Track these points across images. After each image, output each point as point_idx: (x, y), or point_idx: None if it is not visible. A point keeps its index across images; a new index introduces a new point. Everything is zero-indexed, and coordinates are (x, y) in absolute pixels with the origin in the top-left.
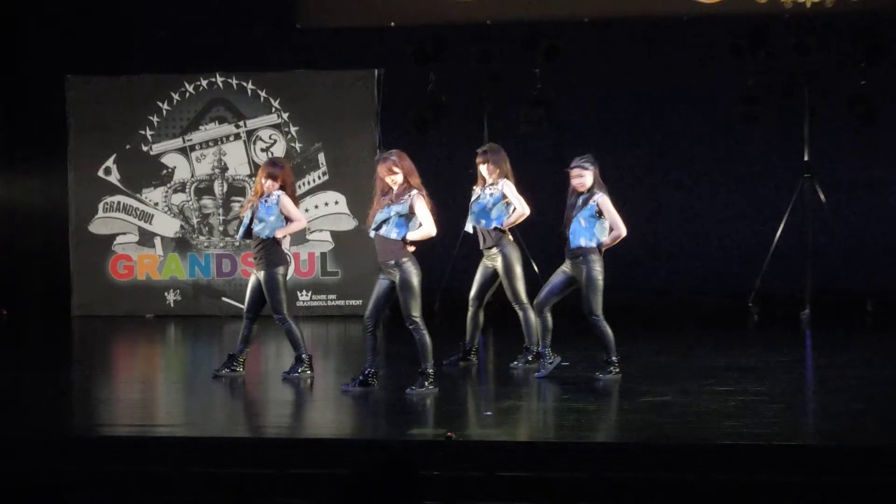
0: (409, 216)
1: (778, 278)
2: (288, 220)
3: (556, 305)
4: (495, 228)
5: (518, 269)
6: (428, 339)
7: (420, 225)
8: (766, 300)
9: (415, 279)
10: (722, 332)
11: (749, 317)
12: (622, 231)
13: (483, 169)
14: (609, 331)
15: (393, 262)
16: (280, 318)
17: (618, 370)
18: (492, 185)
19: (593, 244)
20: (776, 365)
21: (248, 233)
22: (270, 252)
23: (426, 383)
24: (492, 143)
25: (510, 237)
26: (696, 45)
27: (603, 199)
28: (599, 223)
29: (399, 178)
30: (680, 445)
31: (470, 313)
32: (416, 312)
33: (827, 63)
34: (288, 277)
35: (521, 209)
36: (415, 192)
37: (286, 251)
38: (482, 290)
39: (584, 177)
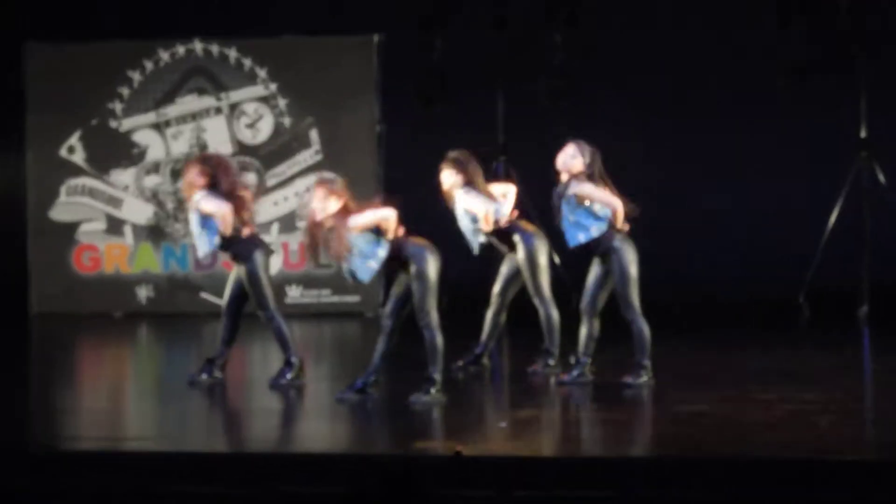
0: (369, 235)
1: (831, 271)
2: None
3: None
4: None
5: (542, 260)
6: (440, 340)
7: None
8: (819, 295)
9: (432, 269)
10: (768, 331)
11: (799, 314)
12: (616, 205)
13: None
14: (647, 330)
15: (406, 256)
16: (268, 316)
17: (650, 375)
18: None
19: (597, 233)
20: (830, 369)
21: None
22: (237, 246)
23: (432, 390)
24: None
25: (528, 223)
26: (735, 7)
27: (578, 187)
28: (590, 210)
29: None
30: (720, 461)
31: (491, 311)
32: (431, 308)
33: (886, 25)
34: (274, 271)
35: (483, 208)
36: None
37: (269, 241)
38: (507, 285)
39: (575, 159)
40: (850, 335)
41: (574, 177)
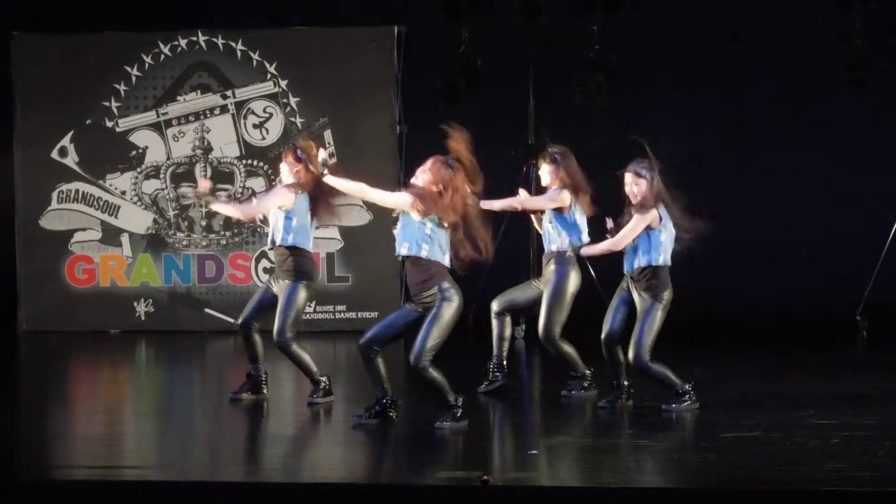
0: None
1: (891, 286)
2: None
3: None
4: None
5: (568, 299)
6: (437, 374)
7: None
8: (878, 313)
9: (454, 311)
10: (823, 352)
11: (857, 333)
12: (616, 247)
13: (543, 171)
14: (660, 369)
15: (435, 289)
16: (283, 343)
17: (694, 399)
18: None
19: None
20: (890, 393)
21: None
22: (295, 259)
23: (458, 414)
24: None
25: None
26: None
27: (637, 216)
28: (654, 236)
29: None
30: (771, 492)
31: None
32: (430, 353)
33: None
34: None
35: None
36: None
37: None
38: (513, 304)
39: (639, 185)
40: None
41: (647, 204)
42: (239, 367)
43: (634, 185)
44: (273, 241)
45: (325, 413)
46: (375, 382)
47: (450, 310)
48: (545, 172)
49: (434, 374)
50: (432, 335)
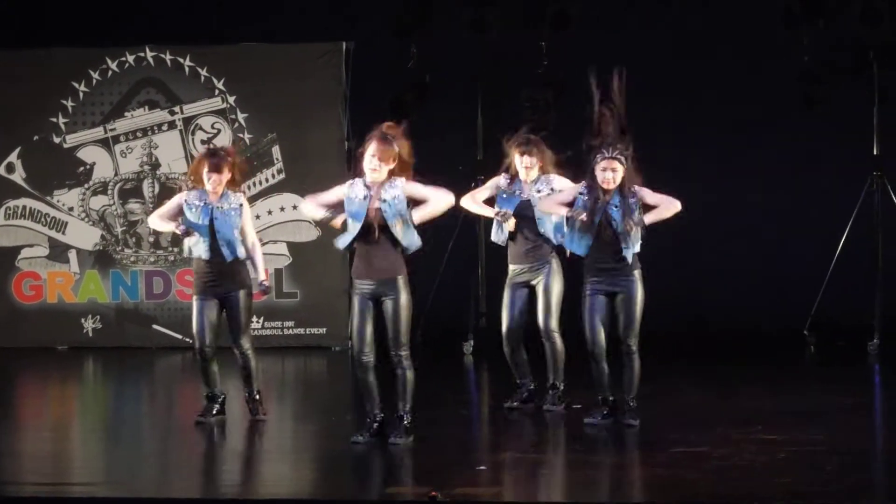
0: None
1: (840, 301)
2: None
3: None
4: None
5: (560, 289)
6: (413, 375)
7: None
8: (826, 328)
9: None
10: (771, 367)
11: (805, 348)
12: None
13: (522, 161)
14: (639, 365)
15: (392, 280)
16: (248, 348)
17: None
18: (536, 181)
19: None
20: (837, 408)
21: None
22: (242, 269)
23: (409, 430)
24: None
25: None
26: (741, 13)
27: (644, 191)
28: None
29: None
30: None
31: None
32: (407, 342)
33: None
34: None
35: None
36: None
37: None
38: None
39: (616, 171)
40: (860, 371)
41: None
42: (186, 383)
43: (612, 170)
44: (229, 256)
45: (271, 430)
46: (372, 398)
47: (409, 297)
48: (529, 163)
49: (412, 372)
50: (405, 324)
